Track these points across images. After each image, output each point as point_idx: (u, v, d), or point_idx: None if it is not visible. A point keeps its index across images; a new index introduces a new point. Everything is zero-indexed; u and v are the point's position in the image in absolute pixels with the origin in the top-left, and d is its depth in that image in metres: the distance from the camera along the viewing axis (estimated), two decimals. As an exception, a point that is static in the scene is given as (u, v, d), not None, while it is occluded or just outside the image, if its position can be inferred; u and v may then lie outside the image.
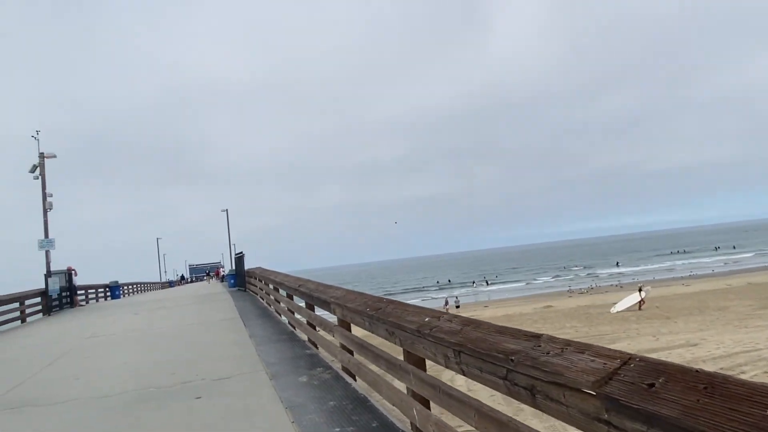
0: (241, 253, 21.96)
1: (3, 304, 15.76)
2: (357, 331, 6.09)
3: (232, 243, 53.45)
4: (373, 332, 4.81)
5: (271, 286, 13.18)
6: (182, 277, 71.38)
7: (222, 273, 58.62)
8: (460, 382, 10.31)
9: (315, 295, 7.17)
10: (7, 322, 16.11)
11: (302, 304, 9.83)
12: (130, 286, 38.80)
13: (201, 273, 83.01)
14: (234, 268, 24.43)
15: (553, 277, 78.12)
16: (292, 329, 10.11)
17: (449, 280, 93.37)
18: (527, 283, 73.57)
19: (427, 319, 3.65)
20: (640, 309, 27.81)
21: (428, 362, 3.80)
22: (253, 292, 19.88)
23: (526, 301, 44.29)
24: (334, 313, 6.23)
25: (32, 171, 21.50)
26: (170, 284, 62.82)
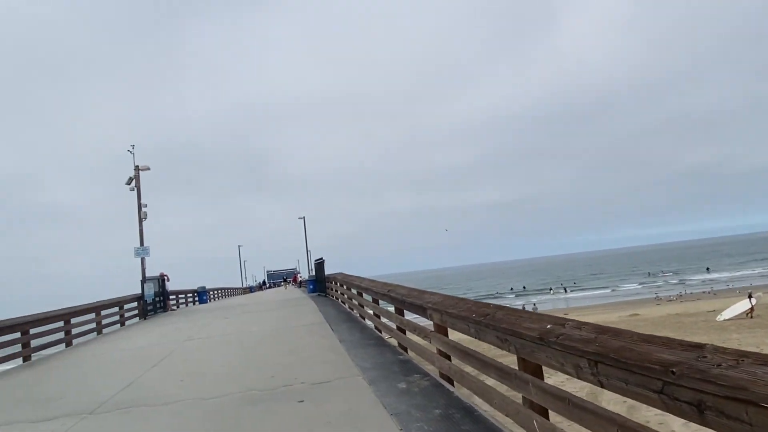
0: (321, 259, 22.40)
1: (106, 308, 16.86)
2: (453, 336, 5.96)
3: (308, 249, 54.78)
4: (479, 339, 4.65)
5: (354, 291, 13.27)
6: (263, 283, 73.90)
7: (299, 279, 60.30)
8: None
9: (408, 300, 7.09)
10: (109, 325, 17.26)
11: (390, 308, 9.82)
12: (215, 292, 40.58)
13: (278, 279, 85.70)
14: (314, 273, 24.88)
15: (639, 284, 74.13)
16: (379, 333, 10.12)
17: (524, 287, 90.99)
18: (612, 290, 70.34)
19: (549, 326, 3.45)
20: (750, 317, 25.71)
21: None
22: (333, 297, 20.17)
23: (609, 309, 42.30)
24: (431, 319, 6.12)
25: (128, 183, 22.99)
26: (251, 290, 65.23)
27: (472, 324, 4.69)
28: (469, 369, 5.44)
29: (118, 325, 18.14)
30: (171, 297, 25.18)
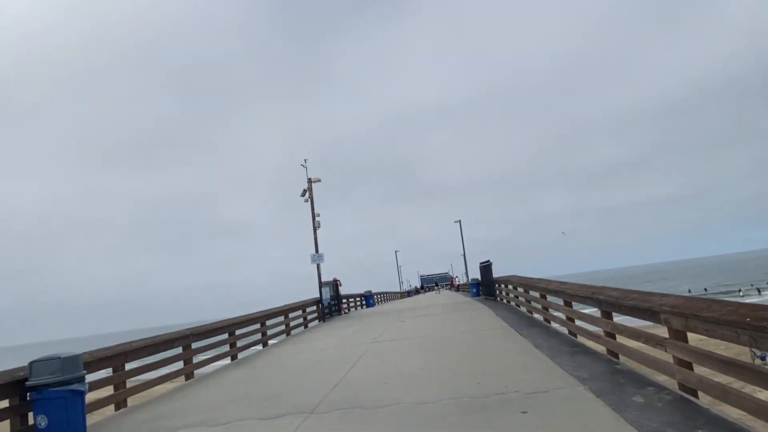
0: (488, 261, 21.85)
1: (293, 311, 18.12)
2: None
3: (464, 253, 54.39)
4: (755, 347, 3.86)
5: (537, 294, 12.53)
6: (421, 287, 75.21)
7: (457, 282, 60.23)
8: None
9: (627, 303, 6.33)
10: (296, 327, 18.53)
11: (586, 310, 9.05)
12: (377, 296, 41.99)
13: (430, 283, 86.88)
14: (480, 276, 24.41)
15: None
16: (574, 339, 9.37)
17: (705, 289, 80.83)
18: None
19: None
20: None
21: None
22: (505, 300, 19.49)
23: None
24: (667, 324, 5.35)
25: (302, 195, 24.64)
26: (408, 294, 66.66)
27: (745, 330, 3.92)
28: (726, 381, 4.62)
29: (302, 327, 19.44)
30: (342, 301, 26.44)
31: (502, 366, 7.54)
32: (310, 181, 24.42)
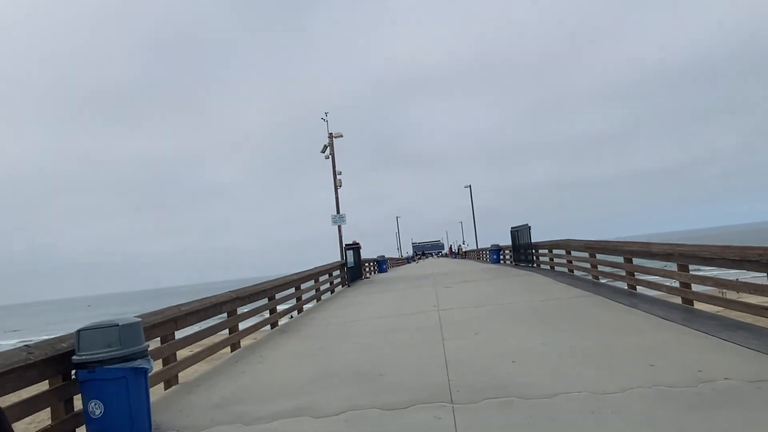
0: (527, 225, 20.39)
1: (320, 275, 16.61)
2: None
3: (474, 218, 53.02)
4: None
5: (620, 259, 11.08)
6: (422, 253, 74.39)
7: (464, 249, 58.98)
8: None
9: None
10: (324, 292, 17.08)
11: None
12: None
13: (424, 250, 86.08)
14: (512, 241, 23.00)
15: None
16: (688, 306, 7.99)
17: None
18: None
19: None
20: None
21: None
22: (549, 266, 18.11)
23: None
24: None
25: (323, 151, 22.89)
26: (408, 260, 65.58)
27: None
28: None
29: (329, 293, 18.01)
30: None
31: (657, 343, 6.08)
32: (331, 136, 22.62)
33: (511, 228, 22.70)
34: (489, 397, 4.63)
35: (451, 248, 71.18)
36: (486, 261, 34.51)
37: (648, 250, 9.52)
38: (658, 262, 9.57)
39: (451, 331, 7.94)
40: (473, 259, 46.49)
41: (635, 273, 10.57)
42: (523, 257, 21.58)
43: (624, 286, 11.15)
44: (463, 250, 57.57)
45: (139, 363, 4.51)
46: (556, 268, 17.32)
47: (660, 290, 9.59)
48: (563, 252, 16.13)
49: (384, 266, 32.15)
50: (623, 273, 11.08)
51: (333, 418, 4.56)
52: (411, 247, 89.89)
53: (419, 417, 4.33)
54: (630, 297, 9.72)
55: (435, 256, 77.11)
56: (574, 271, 15.27)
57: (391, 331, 8.62)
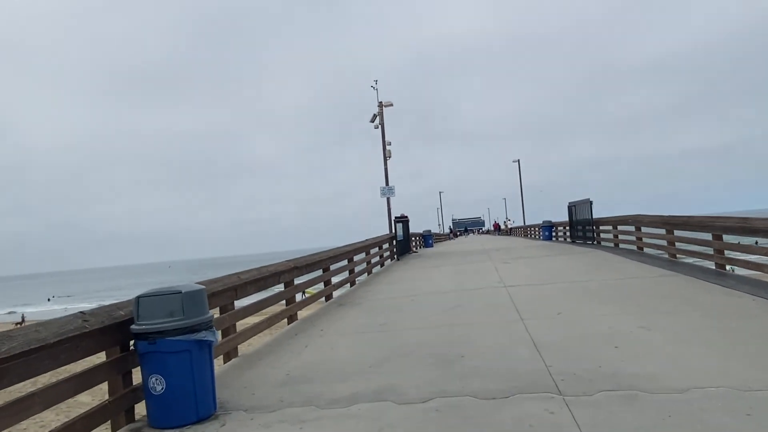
0: (588, 200, 19.24)
1: (371, 248, 16.07)
2: None
3: (522, 193, 51.53)
4: None
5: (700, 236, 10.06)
6: (465, 229, 73.40)
7: (509, 225, 57.63)
8: None
9: None
10: (374, 266, 16.56)
11: None
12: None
13: (462, 227, 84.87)
14: (569, 217, 21.88)
15: None
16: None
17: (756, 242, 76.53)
18: None
19: None
20: None
21: None
22: (614, 244, 17.04)
23: None
24: None
25: (372, 121, 22.17)
26: (448, 237, 64.68)
27: None
28: None
29: (378, 266, 17.49)
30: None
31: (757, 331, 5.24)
32: (381, 105, 21.84)
33: (569, 203, 21.56)
34: (604, 389, 3.94)
35: (495, 224, 69.74)
36: (535, 238, 33.39)
37: (747, 226, 8.50)
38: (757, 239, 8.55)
39: (528, 310, 7.22)
40: (518, 236, 45.26)
41: (724, 251, 9.56)
42: (581, 234, 20.49)
43: (710, 265, 10.15)
44: (509, 226, 56.18)
45: (203, 335, 4.01)
46: (621, 246, 16.26)
47: (762, 271, 8.58)
48: (630, 229, 15.05)
49: (430, 241, 31.44)
50: (710, 251, 10.06)
51: (420, 405, 3.96)
52: (451, 223, 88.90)
53: (526, 410, 3.68)
54: (722, 278, 8.75)
55: (475, 233, 76.09)
56: (644, 249, 14.22)
57: (458, 308, 7.98)
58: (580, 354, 4.94)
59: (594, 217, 18.94)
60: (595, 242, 18.95)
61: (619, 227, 16.33)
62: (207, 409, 4.08)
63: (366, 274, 14.98)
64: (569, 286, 9.20)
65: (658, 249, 13.10)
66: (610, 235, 17.32)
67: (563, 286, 9.18)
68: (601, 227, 18.54)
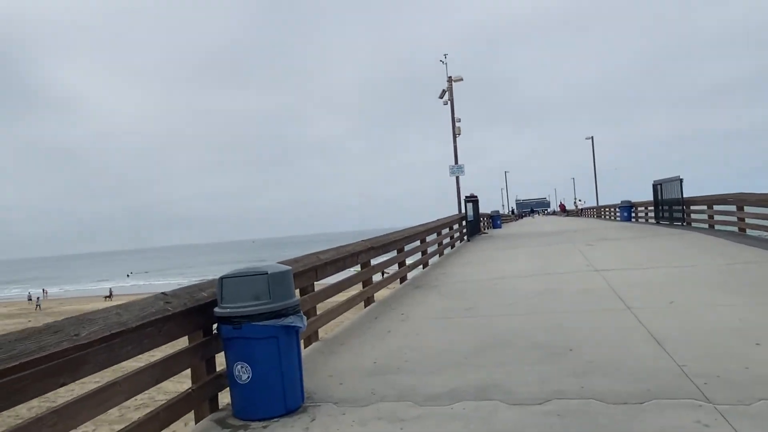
0: (678, 177, 17.74)
1: (443, 228, 15.50)
2: None
3: (595, 173, 49.22)
4: None
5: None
6: (531, 210, 71.50)
7: (579, 205, 55.34)
8: None
9: None
10: (446, 247, 16.00)
11: None
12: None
13: (526, 209, 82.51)
14: (654, 197, 20.39)
15: None
16: None
17: None
18: None
19: None
20: None
21: None
22: (708, 225, 15.65)
23: None
24: None
25: (441, 97, 21.42)
26: (516, 218, 62.99)
27: None
28: None
29: (449, 248, 16.91)
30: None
31: None
32: (450, 80, 21.02)
33: (654, 181, 20.06)
34: (765, 397, 3.26)
35: (562, 205, 67.25)
36: (612, 219, 31.67)
37: None
38: None
39: (633, 298, 6.48)
40: (589, 216, 43.26)
41: None
42: (667, 214, 19.01)
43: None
44: (579, 207, 53.91)
45: (291, 320, 3.64)
46: (716, 227, 14.87)
47: None
48: (731, 209, 13.68)
49: (498, 222, 30.49)
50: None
51: (536, 407, 3.43)
52: (515, 204, 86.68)
53: (670, 420, 3.07)
54: None
55: (541, 214, 74.01)
56: (746, 230, 12.89)
57: (548, 293, 7.33)
58: (714, 352, 4.23)
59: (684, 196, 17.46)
60: (684, 223, 17.52)
61: (715, 207, 14.92)
62: (295, 401, 3.73)
63: (438, 255, 14.47)
64: (673, 271, 8.31)
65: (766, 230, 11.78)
66: (704, 216, 15.90)
67: (666, 271, 8.31)
68: (692, 207, 17.09)
